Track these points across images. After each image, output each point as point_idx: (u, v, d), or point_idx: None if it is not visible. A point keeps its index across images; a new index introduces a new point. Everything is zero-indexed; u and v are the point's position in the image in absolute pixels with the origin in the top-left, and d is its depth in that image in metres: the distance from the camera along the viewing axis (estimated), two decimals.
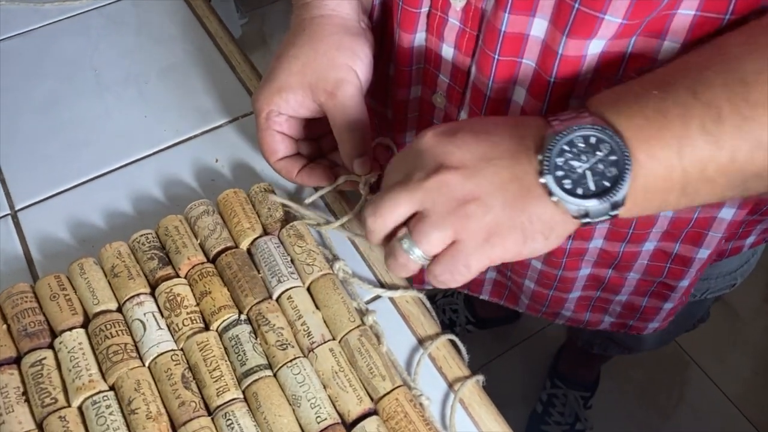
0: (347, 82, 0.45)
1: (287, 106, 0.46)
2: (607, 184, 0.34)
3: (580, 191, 0.34)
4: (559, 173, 0.34)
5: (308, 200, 0.50)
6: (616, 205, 0.34)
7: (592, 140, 0.34)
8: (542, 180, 0.34)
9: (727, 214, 0.49)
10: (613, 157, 0.33)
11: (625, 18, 0.37)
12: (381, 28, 0.53)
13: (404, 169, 0.38)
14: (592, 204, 0.34)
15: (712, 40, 0.35)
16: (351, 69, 0.46)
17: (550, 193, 0.34)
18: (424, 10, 0.47)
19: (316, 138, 0.51)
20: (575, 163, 0.34)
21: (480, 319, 1.33)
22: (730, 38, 0.34)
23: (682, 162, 0.33)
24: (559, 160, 0.34)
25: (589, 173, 0.34)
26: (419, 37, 0.49)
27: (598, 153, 0.34)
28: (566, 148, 0.34)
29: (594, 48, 0.39)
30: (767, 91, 0.31)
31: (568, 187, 0.34)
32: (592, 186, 0.34)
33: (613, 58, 0.40)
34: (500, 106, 0.46)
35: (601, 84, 0.42)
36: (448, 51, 0.48)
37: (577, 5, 0.37)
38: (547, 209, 0.35)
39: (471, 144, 0.35)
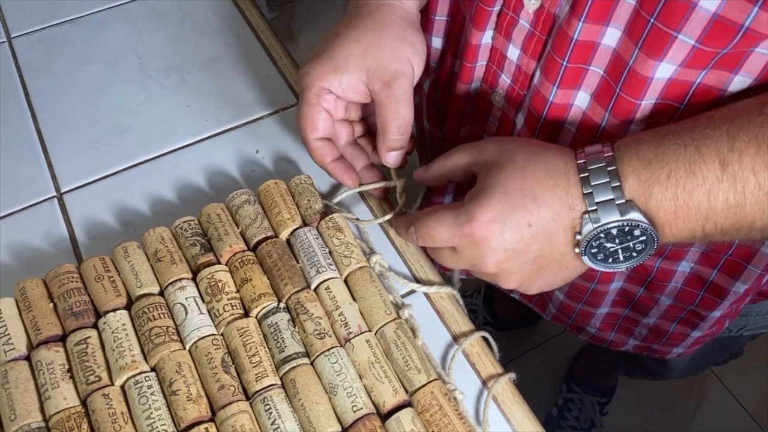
0: (404, 75, 0.46)
1: (339, 86, 0.47)
2: (634, 254, 0.39)
3: (610, 260, 0.39)
4: (594, 251, 0.39)
5: (337, 198, 0.51)
6: (636, 263, 0.39)
7: (626, 229, 0.37)
8: (577, 250, 0.39)
9: None
10: (642, 238, 0.37)
11: (698, 41, 0.36)
12: (449, 24, 0.53)
13: (453, 242, 0.40)
14: (619, 269, 0.40)
15: (760, 96, 0.35)
16: (409, 63, 0.46)
17: (584, 262, 0.39)
18: (497, 8, 0.46)
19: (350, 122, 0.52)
20: (609, 245, 0.38)
21: (499, 320, 1.33)
22: None
23: (704, 230, 0.36)
24: (595, 243, 0.38)
25: (620, 250, 0.38)
26: (487, 35, 0.49)
27: (629, 237, 0.38)
28: (602, 235, 0.38)
29: (663, 72, 0.39)
30: None
31: (600, 258, 0.39)
32: (621, 258, 0.39)
33: (681, 87, 0.40)
34: (562, 111, 0.46)
35: (664, 112, 0.42)
36: (513, 52, 0.48)
37: (652, 20, 0.37)
38: (577, 270, 0.41)
39: (516, 241, 0.38)
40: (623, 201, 0.36)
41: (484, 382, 0.44)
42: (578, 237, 0.38)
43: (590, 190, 0.37)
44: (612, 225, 0.37)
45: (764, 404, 1.28)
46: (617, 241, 0.38)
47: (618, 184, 0.36)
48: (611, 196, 0.36)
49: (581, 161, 0.38)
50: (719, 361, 0.87)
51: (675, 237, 0.37)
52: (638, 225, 0.36)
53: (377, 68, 0.46)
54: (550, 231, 0.38)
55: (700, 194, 0.35)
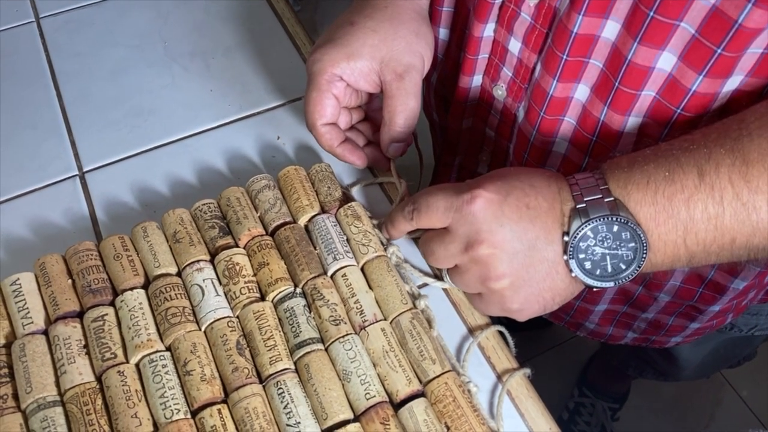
0: (416, 69, 0.47)
1: (351, 73, 0.47)
2: (622, 266, 0.38)
3: (597, 272, 0.38)
4: (582, 255, 0.38)
5: (354, 188, 0.51)
6: (624, 280, 0.38)
7: (614, 228, 0.37)
8: (565, 257, 0.38)
9: None
10: (632, 244, 0.37)
11: (698, 31, 0.37)
12: (454, 16, 0.54)
13: (449, 216, 0.40)
14: (607, 284, 0.38)
15: (738, 114, 0.36)
16: (422, 57, 0.47)
17: (571, 269, 0.38)
18: (498, 1, 0.47)
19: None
20: (597, 249, 0.38)
21: (511, 321, 1.32)
22: (753, 112, 0.35)
23: (686, 244, 0.36)
24: (582, 245, 0.37)
25: (608, 256, 0.38)
26: (489, 28, 0.49)
27: (617, 240, 0.37)
28: (590, 234, 0.37)
29: (664, 63, 0.39)
30: (766, 173, 0.33)
31: (588, 267, 0.38)
32: (609, 268, 0.38)
33: (678, 91, 0.40)
34: (562, 105, 0.46)
35: (660, 113, 0.42)
36: (515, 45, 0.48)
37: (651, 13, 0.38)
38: (565, 282, 0.39)
39: (513, 221, 0.38)
40: (612, 199, 0.37)
41: (499, 376, 0.43)
42: (566, 238, 0.38)
43: (579, 192, 0.38)
44: (600, 222, 0.37)
45: None
46: (605, 244, 0.37)
47: (606, 186, 0.37)
48: (599, 195, 0.37)
49: (569, 177, 0.39)
50: (732, 363, 0.86)
51: (660, 251, 0.37)
52: (627, 222, 0.36)
53: (391, 60, 0.46)
54: (546, 223, 0.38)
55: (679, 202, 0.35)
